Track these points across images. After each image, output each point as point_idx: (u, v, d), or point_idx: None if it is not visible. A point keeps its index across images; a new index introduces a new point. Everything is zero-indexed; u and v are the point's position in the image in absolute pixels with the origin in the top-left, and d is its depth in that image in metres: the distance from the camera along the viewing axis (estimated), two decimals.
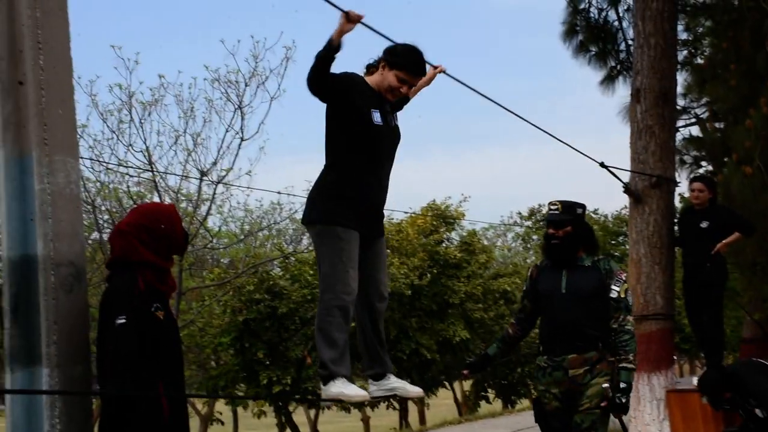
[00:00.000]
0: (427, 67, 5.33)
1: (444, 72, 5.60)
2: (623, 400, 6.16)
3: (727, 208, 9.59)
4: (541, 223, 6.75)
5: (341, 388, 4.76)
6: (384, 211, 5.30)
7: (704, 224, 9.25)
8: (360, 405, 20.76)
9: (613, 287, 6.33)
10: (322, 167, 5.06)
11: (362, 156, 4.93)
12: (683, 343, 31.58)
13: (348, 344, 4.87)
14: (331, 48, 4.64)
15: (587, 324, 6.25)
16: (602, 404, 6.16)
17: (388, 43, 5.13)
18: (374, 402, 5.40)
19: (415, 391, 5.27)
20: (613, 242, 38.77)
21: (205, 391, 20.65)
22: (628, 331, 6.30)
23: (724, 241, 9.11)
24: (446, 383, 25.90)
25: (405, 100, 5.41)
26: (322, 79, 4.75)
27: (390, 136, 5.08)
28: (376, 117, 4.93)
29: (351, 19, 4.62)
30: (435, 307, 21.18)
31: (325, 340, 4.82)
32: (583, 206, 6.54)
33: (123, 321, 4.10)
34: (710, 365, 9.25)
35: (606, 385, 6.16)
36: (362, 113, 4.89)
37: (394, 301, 19.51)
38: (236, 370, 19.25)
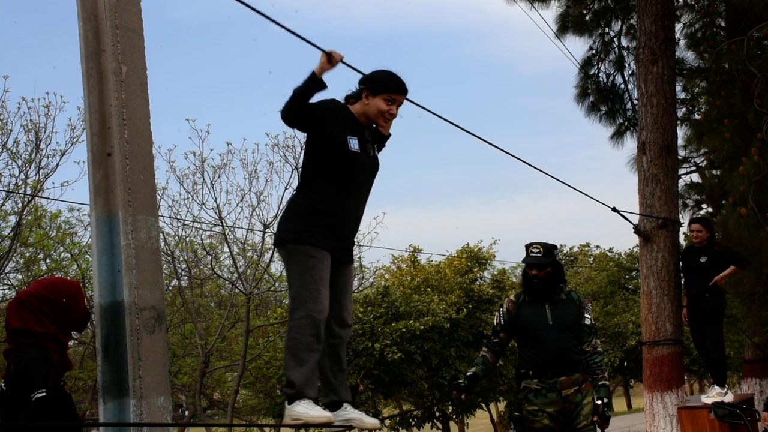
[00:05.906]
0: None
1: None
2: (609, 414, 6.20)
3: (723, 245, 9.50)
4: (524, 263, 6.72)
5: (306, 409, 4.17)
6: (355, 239, 4.69)
7: (703, 259, 9.22)
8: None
9: (585, 315, 6.39)
10: (294, 191, 4.56)
11: (336, 181, 4.39)
12: (692, 365, 31.13)
13: (317, 365, 4.34)
14: (316, 82, 4.21)
15: (573, 350, 6.29)
16: (594, 418, 6.18)
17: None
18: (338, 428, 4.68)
19: (371, 422, 4.52)
20: (626, 276, 38.39)
21: (272, 415, 20.68)
22: (599, 352, 6.39)
23: (721, 275, 9.05)
24: (483, 405, 25.61)
25: (384, 138, 4.77)
26: (298, 113, 4.27)
27: (368, 164, 4.50)
28: (353, 144, 4.40)
29: (331, 60, 4.22)
30: (471, 338, 20.95)
31: (295, 360, 4.23)
32: (557, 247, 6.57)
33: (43, 395, 3.61)
34: (716, 383, 9.14)
35: (599, 401, 6.19)
36: (338, 139, 4.37)
37: (435, 332, 19.39)
38: None
